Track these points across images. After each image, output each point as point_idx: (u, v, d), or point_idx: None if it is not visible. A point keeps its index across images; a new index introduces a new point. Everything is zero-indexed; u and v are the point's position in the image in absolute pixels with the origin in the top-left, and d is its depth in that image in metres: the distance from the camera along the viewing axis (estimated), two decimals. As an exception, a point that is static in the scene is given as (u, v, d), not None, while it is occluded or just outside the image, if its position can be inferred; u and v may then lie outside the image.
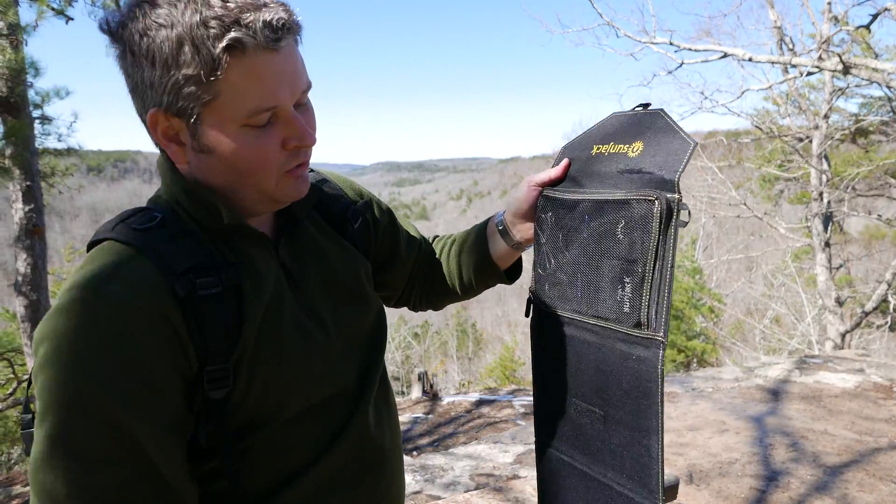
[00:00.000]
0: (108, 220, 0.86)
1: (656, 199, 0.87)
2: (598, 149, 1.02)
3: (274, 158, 0.80)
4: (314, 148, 0.86)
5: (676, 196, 0.87)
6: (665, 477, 2.99)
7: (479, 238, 1.22)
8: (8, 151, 7.55)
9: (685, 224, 0.87)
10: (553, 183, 1.09)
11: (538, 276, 1.09)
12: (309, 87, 0.82)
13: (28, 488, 4.23)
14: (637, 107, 1.00)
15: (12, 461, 10.05)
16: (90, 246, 0.83)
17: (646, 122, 0.97)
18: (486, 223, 1.23)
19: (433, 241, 1.33)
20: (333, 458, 0.91)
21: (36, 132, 7.92)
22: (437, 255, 1.29)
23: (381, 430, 1.01)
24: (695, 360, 12.94)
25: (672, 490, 2.79)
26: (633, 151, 0.95)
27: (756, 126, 13.12)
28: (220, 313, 0.78)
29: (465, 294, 1.29)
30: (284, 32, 0.75)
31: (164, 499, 0.74)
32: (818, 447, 4.04)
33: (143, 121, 0.81)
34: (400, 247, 1.20)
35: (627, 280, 0.90)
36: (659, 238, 0.87)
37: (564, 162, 1.08)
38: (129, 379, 0.70)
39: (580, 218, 0.98)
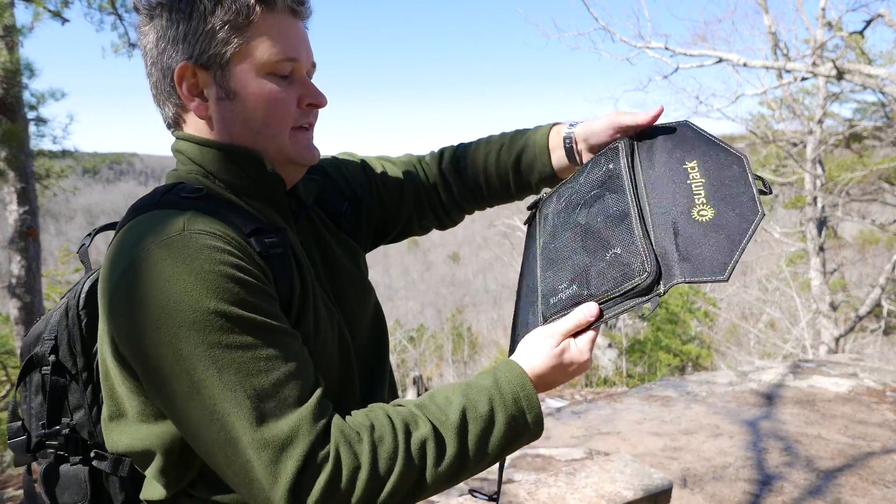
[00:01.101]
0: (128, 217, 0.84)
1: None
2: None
3: (291, 110, 0.87)
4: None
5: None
6: (659, 481, 2.98)
7: (541, 147, 1.15)
8: (2, 154, 7.53)
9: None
10: (639, 131, 1.03)
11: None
12: (315, 66, 0.93)
13: (20, 491, 4.22)
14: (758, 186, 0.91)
15: (5, 464, 9.99)
16: (130, 218, 0.82)
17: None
18: (546, 132, 1.16)
19: (441, 153, 1.26)
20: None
21: (31, 134, 7.90)
22: (456, 165, 1.22)
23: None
24: (689, 364, 12.96)
25: (665, 494, 2.79)
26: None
27: (751, 131, 13.19)
28: (284, 272, 0.84)
29: (518, 193, 1.22)
30: (306, 6, 0.89)
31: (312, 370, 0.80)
32: (812, 451, 4.05)
33: (164, 88, 0.86)
34: (389, 201, 1.19)
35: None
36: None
37: (656, 109, 1.02)
38: (250, 292, 0.74)
39: None
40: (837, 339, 12.01)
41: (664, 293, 0.81)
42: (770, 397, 5.24)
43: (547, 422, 4.86)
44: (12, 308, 7.57)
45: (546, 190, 1.19)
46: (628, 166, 0.97)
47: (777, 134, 12.96)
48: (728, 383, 5.75)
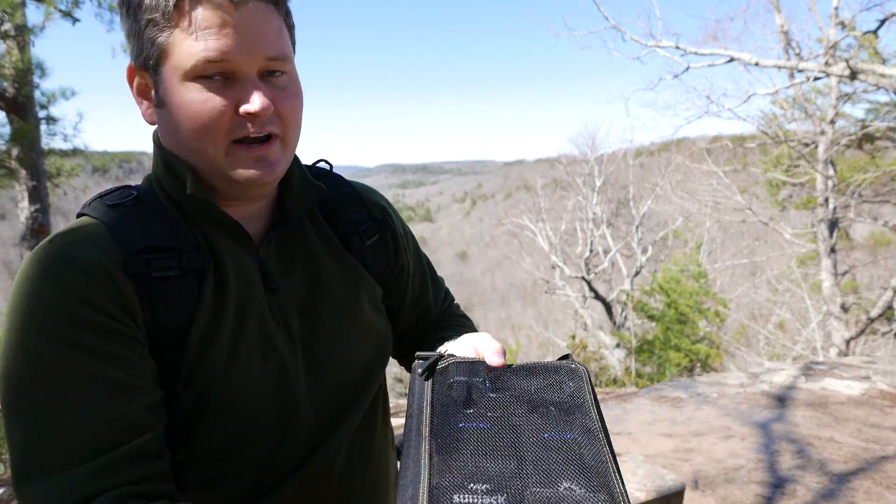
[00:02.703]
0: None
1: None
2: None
3: (219, 119, 0.74)
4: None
5: None
6: (671, 483, 2.95)
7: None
8: (14, 152, 7.58)
9: None
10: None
11: None
12: (282, 58, 0.77)
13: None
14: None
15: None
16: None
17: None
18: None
19: (449, 306, 1.17)
20: (280, 497, 0.84)
21: (42, 132, 7.95)
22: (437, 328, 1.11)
23: (350, 479, 0.91)
24: (698, 364, 12.90)
25: (678, 496, 2.77)
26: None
27: (762, 131, 13.10)
28: (174, 296, 0.76)
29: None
30: None
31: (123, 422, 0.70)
32: (824, 454, 4.01)
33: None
34: (407, 298, 1.07)
35: None
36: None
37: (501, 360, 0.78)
38: (76, 329, 0.69)
39: None
40: (848, 342, 11.91)
41: None
42: (781, 399, 5.19)
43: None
44: (23, 305, 7.62)
45: (450, 353, 0.81)
46: (591, 394, 0.73)
47: (789, 134, 12.87)
48: (739, 385, 5.71)
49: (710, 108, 11.84)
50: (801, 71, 9.74)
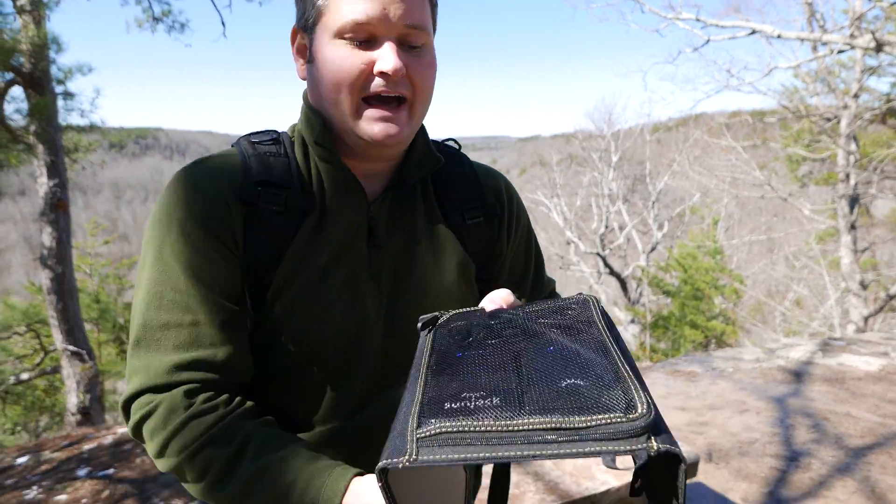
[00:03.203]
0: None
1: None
2: None
3: (355, 74, 0.83)
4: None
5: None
6: (686, 454, 2.95)
7: None
8: (32, 128, 7.63)
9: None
10: None
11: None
12: (420, 27, 0.84)
13: (56, 454, 4.34)
14: None
15: (40, 429, 10.32)
16: None
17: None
18: None
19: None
20: (336, 436, 0.91)
21: (59, 108, 7.98)
22: None
23: None
24: (713, 340, 12.86)
25: (692, 468, 2.78)
26: None
27: (783, 105, 12.85)
28: (271, 229, 0.87)
29: None
30: None
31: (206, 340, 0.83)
32: (840, 429, 4.00)
33: None
34: (501, 284, 1.07)
35: None
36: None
37: None
38: (187, 244, 0.83)
39: None
40: (866, 319, 11.80)
41: (654, 454, 0.47)
42: (798, 374, 5.17)
43: (570, 395, 4.86)
44: (44, 279, 7.74)
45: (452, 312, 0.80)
46: (601, 317, 0.68)
47: (810, 109, 12.61)
48: (755, 360, 5.69)
49: (730, 81, 11.64)
50: (824, 43, 9.50)
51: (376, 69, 0.82)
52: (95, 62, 8.46)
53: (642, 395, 0.50)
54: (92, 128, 8.83)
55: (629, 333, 13.85)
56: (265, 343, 0.88)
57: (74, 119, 8.43)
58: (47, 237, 7.61)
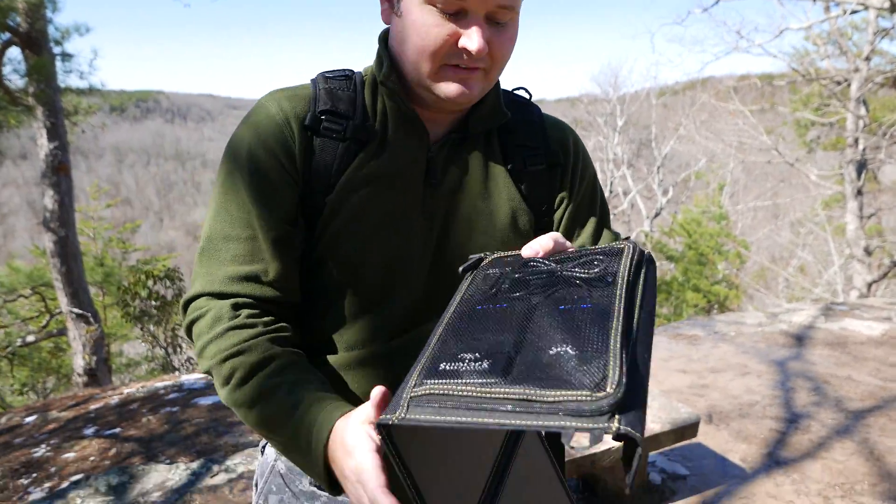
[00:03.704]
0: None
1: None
2: None
3: (441, 46, 0.85)
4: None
5: None
6: (686, 415, 2.93)
7: None
8: (31, 89, 7.55)
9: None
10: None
11: None
12: (510, 7, 0.85)
13: (63, 413, 4.40)
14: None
15: (48, 390, 10.47)
16: None
17: None
18: None
19: None
20: (374, 361, 0.96)
21: (57, 69, 7.88)
22: None
23: None
24: (716, 306, 12.89)
25: (692, 428, 2.80)
26: None
27: (793, 68, 12.63)
28: (329, 154, 0.92)
29: None
30: None
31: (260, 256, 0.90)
32: (841, 392, 4.02)
33: None
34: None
35: None
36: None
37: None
38: (252, 165, 0.90)
39: None
40: (870, 285, 11.79)
41: (615, 432, 0.46)
42: (800, 339, 5.18)
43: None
44: (48, 241, 7.75)
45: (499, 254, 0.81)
46: (629, 269, 0.66)
47: (820, 72, 12.39)
48: (757, 324, 5.70)
49: (739, 43, 11.42)
50: (837, 4, 9.28)
51: (461, 44, 0.84)
52: (93, 22, 8.32)
53: (618, 372, 0.49)
54: (91, 90, 8.74)
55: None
56: (313, 266, 0.94)
57: (73, 81, 8.34)
58: (49, 200, 7.60)
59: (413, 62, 0.88)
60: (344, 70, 0.99)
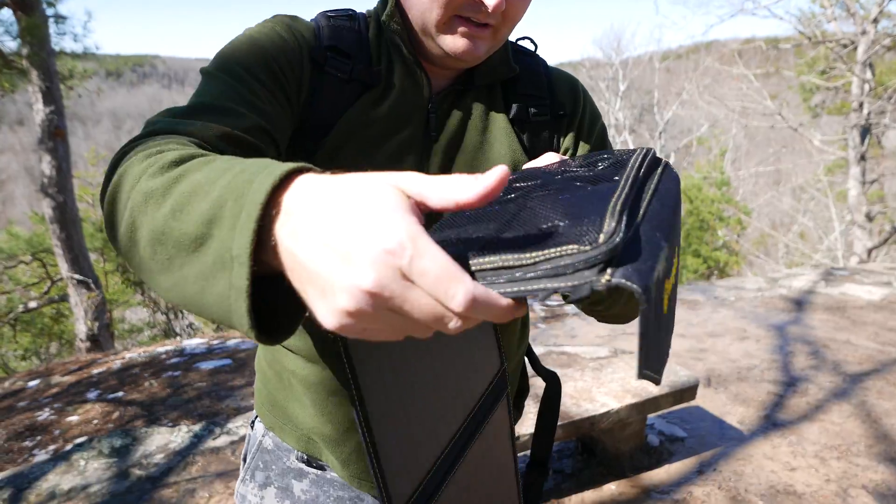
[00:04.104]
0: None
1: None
2: None
3: None
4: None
5: None
6: (685, 378, 2.92)
7: None
8: (24, 51, 7.42)
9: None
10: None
11: None
12: None
13: (65, 378, 4.43)
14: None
15: (51, 356, 10.55)
16: None
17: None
18: None
19: None
20: None
21: (51, 32, 7.74)
22: None
23: None
24: (716, 272, 12.90)
25: (691, 391, 2.82)
26: None
27: (799, 31, 12.40)
28: (332, 94, 0.88)
29: None
30: None
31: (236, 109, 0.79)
32: (839, 356, 4.04)
33: None
34: None
35: None
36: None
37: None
38: (254, 44, 0.84)
39: None
40: (870, 251, 11.78)
41: (604, 284, 0.39)
42: (799, 303, 5.19)
43: (572, 321, 4.90)
44: (46, 208, 7.71)
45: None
46: (638, 166, 0.57)
47: (827, 35, 12.17)
48: (757, 289, 5.70)
49: (745, 5, 11.20)
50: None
51: None
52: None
53: (613, 223, 0.42)
54: (86, 53, 8.60)
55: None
56: None
57: (67, 44, 8.22)
58: (47, 166, 7.54)
59: (423, 9, 0.85)
60: (346, 9, 0.95)
